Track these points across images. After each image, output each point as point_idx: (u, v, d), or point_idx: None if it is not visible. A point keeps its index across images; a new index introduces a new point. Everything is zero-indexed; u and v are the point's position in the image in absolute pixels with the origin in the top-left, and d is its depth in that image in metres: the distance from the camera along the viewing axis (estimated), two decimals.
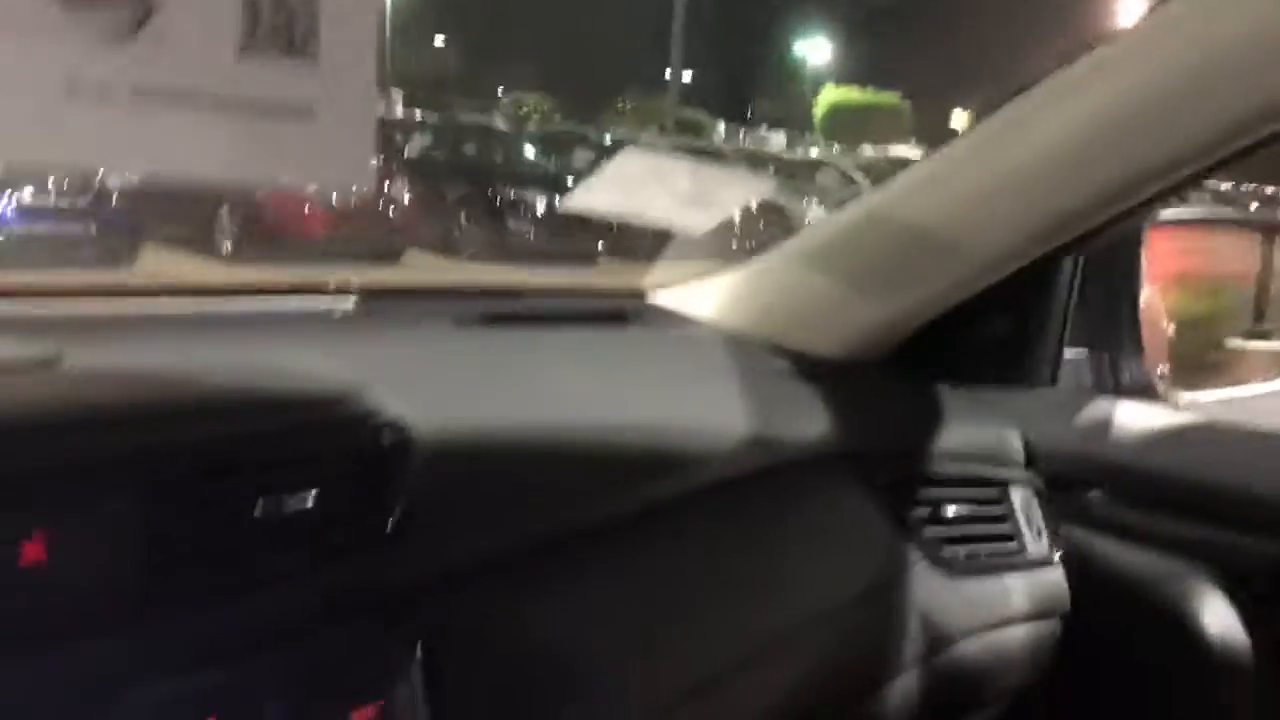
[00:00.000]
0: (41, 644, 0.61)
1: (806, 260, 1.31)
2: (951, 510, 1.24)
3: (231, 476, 0.70)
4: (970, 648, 1.20)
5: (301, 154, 0.46)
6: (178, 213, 7.40)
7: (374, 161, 0.49)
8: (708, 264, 1.46)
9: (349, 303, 1.20)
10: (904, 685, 1.13)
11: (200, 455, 0.70)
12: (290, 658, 0.72)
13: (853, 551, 1.13)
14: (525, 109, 24.63)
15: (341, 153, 0.47)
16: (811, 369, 1.24)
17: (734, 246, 1.70)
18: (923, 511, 1.21)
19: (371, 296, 1.27)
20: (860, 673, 1.10)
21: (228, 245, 7.65)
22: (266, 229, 7.66)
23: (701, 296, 1.38)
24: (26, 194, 6.43)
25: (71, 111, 0.41)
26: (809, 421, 1.19)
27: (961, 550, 1.23)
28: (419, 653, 0.76)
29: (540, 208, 9.47)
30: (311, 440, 0.75)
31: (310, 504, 0.73)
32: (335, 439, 0.77)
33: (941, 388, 1.34)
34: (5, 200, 6.33)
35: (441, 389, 0.94)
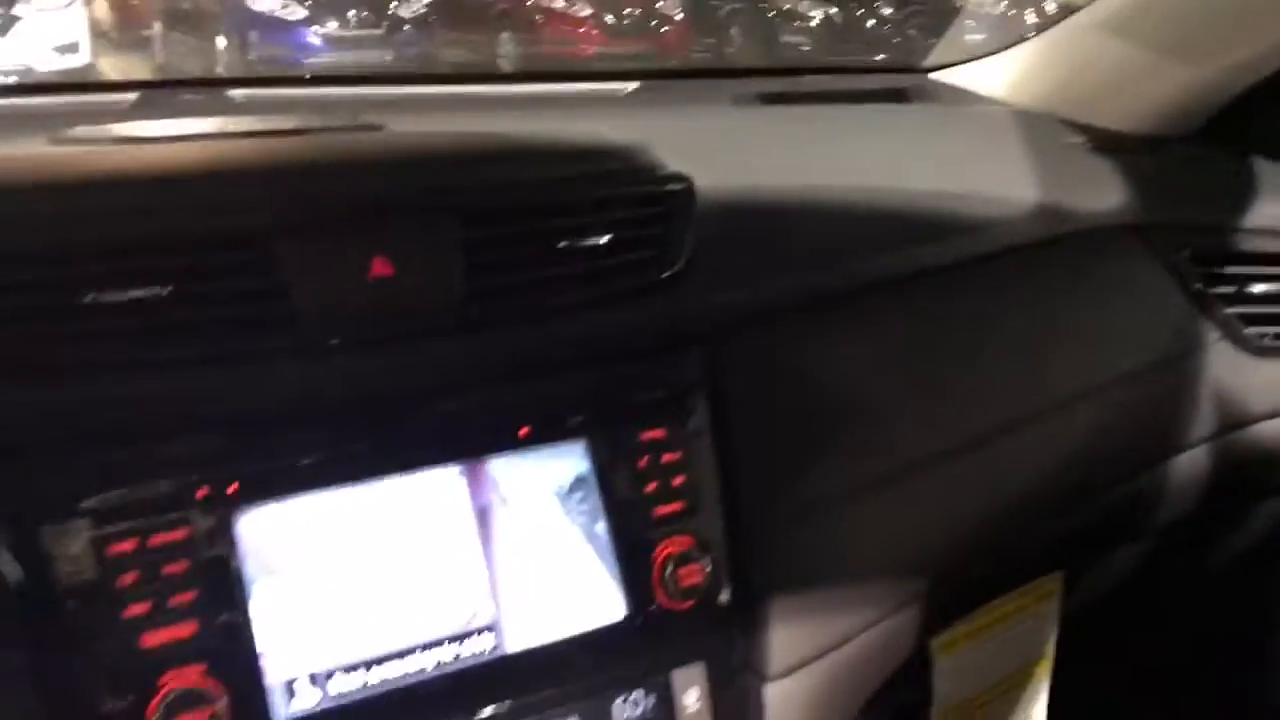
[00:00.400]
0: (388, 343, 0.71)
1: (1101, 30, 1.22)
2: (1258, 289, 1.16)
3: (536, 215, 0.77)
4: (1268, 431, 1.14)
5: None
6: (462, 40, 7.74)
7: None
8: (992, 42, 1.39)
9: (632, 86, 1.24)
10: (1190, 462, 1.10)
11: (510, 194, 0.77)
12: (588, 380, 0.80)
13: (1143, 323, 1.09)
14: None
15: None
16: (1106, 142, 1.18)
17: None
18: (1225, 288, 1.15)
19: (653, 78, 1.31)
20: (1144, 444, 1.08)
21: (508, 67, 7.93)
22: (544, 52, 7.86)
23: (987, 74, 1.33)
24: (330, 25, 6.90)
25: None
26: (1101, 194, 1.14)
27: (1270, 331, 1.16)
28: (702, 384, 0.83)
29: (816, 16, 9.11)
30: (605, 187, 0.81)
31: (604, 243, 0.79)
32: (626, 186, 0.82)
33: (1254, 161, 1.24)
34: (311, 30, 6.83)
35: (722, 153, 0.97)
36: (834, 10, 8.46)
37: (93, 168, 0.70)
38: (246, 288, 0.66)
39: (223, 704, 0.63)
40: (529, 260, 0.76)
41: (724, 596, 0.80)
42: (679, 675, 0.78)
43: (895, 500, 0.89)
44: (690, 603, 0.78)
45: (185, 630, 0.63)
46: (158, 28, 7.64)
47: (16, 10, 6.00)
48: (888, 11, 7.68)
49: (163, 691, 0.62)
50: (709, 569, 0.79)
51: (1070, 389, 1.02)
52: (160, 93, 1.08)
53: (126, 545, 0.63)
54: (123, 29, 8.64)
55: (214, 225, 0.66)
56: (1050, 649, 1.10)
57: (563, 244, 0.77)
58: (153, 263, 0.64)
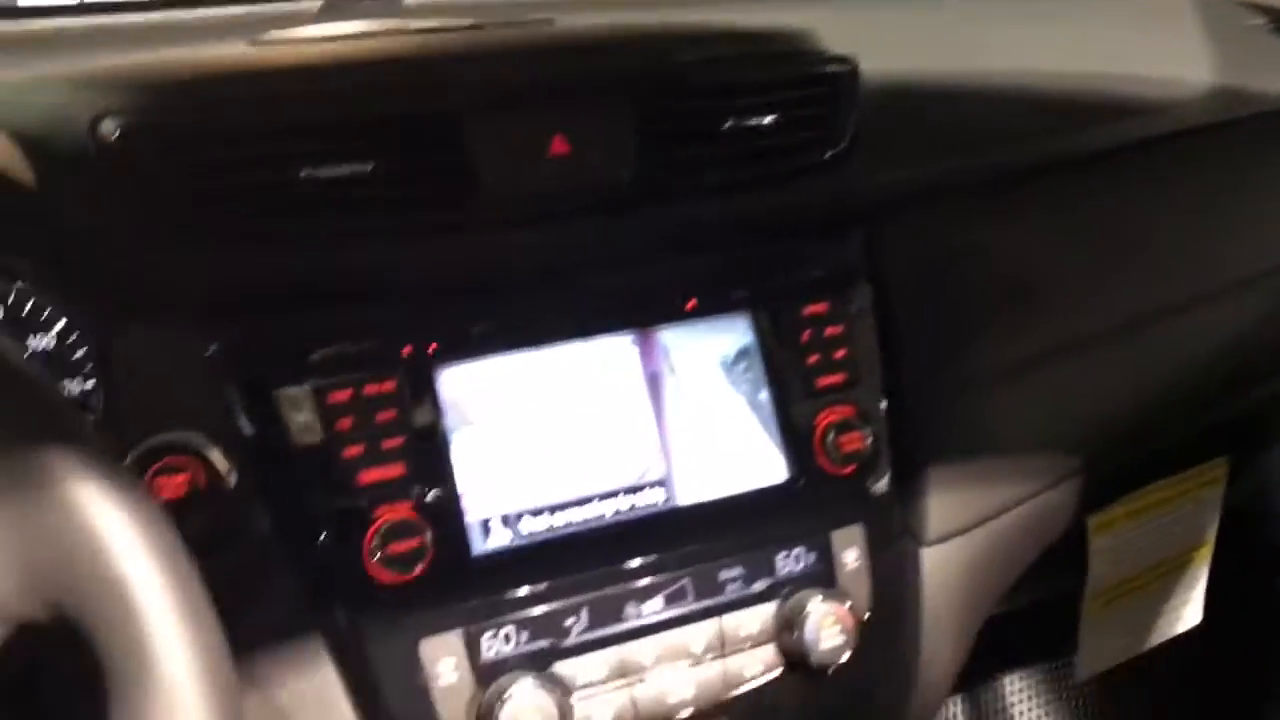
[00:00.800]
0: (565, 216, 0.76)
1: None
2: None
3: (704, 96, 0.80)
4: None
5: None
6: None
7: None
8: None
9: None
10: None
11: (678, 76, 0.80)
12: (753, 256, 0.83)
13: None
14: None
15: None
16: None
17: None
18: None
19: None
20: None
21: None
22: None
23: None
24: None
25: None
26: None
27: None
28: (865, 261, 0.85)
29: None
30: (770, 69, 0.83)
31: (770, 123, 0.81)
32: (791, 68, 0.84)
33: None
34: None
35: (890, 38, 0.98)
36: None
37: (296, 59, 0.77)
38: (438, 164, 0.72)
39: (428, 536, 0.70)
40: (697, 139, 0.79)
41: (883, 464, 0.84)
42: (838, 535, 0.81)
43: (1054, 378, 0.90)
44: (850, 468, 0.82)
45: (395, 470, 0.71)
46: None
47: None
48: None
49: (377, 523, 0.69)
50: (869, 437, 0.82)
51: (1239, 274, 1.00)
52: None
53: (343, 395, 0.70)
54: None
55: (408, 106, 0.72)
56: (1211, 536, 1.09)
57: (729, 124, 0.80)
58: (356, 142, 0.70)
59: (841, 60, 0.85)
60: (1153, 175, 1.00)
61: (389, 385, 0.71)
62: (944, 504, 0.85)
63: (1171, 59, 1.07)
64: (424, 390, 0.72)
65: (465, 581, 0.72)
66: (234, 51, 0.82)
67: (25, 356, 0.62)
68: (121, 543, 0.41)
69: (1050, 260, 0.93)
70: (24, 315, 0.66)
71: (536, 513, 0.74)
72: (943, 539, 0.85)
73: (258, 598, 0.67)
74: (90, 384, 0.67)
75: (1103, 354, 0.93)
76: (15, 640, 0.43)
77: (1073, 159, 0.95)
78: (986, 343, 0.89)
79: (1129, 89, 1.01)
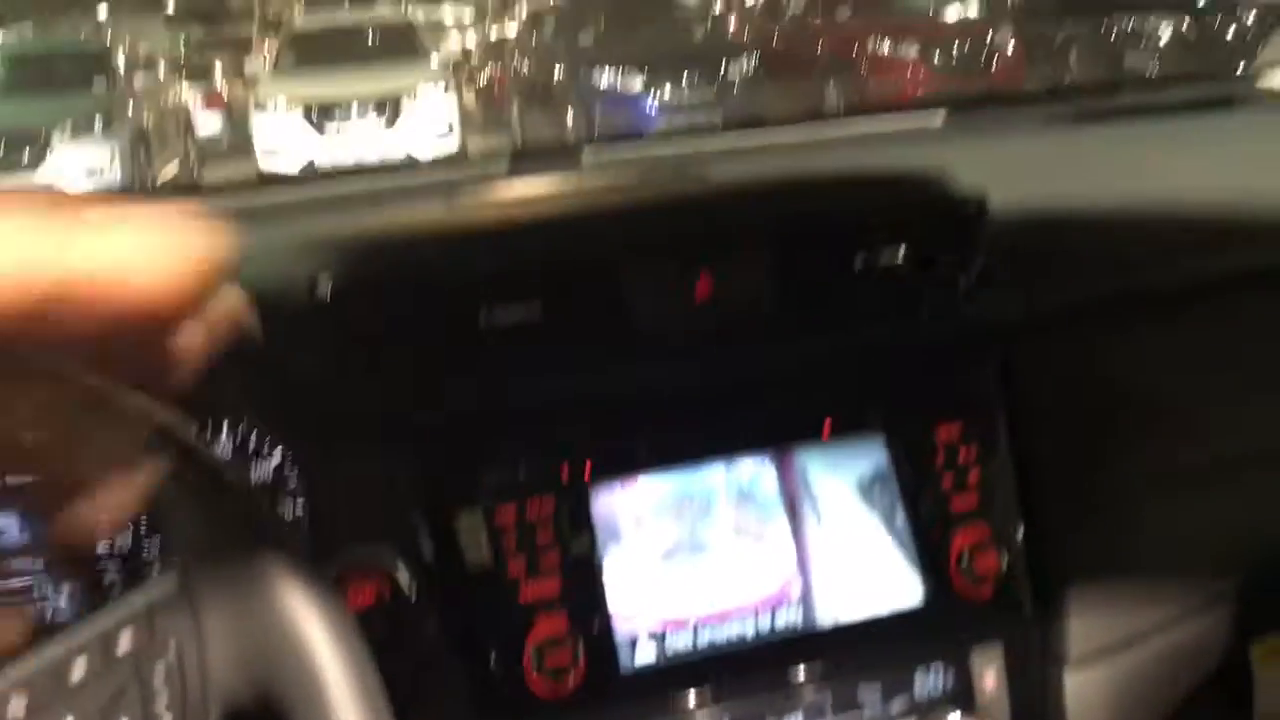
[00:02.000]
0: (710, 350, 0.84)
1: None
2: None
3: (836, 240, 0.87)
4: None
5: None
6: (789, 91, 8.01)
7: None
8: None
9: (939, 117, 1.31)
10: None
11: (812, 223, 0.88)
12: (887, 380, 0.89)
13: None
14: None
15: None
16: None
17: None
18: None
19: (962, 108, 1.37)
20: None
21: (838, 110, 8.08)
22: (869, 96, 7.93)
23: None
24: (666, 93, 7.40)
25: None
26: None
27: None
28: (996, 385, 0.89)
29: (1165, 34, 8.52)
30: (898, 209, 0.90)
31: (901, 261, 0.87)
32: (919, 211, 0.90)
33: None
34: (649, 101, 7.37)
35: (1022, 172, 1.03)
36: (1185, 23, 7.85)
37: (478, 222, 0.89)
38: (596, 309, 0.82)
39: (580, 649, 0.78)
40: (831, 278, 0.86)
41: (1021, 584, 0.86)
42: (977, 656, 0.83)
43: (1202, 499, 0.90)
44: (987, 589, 0.84)
45: (552, 587, 0.79)
46: (515, 110, 8.52)
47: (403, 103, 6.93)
48: (1245, 21, 7.02)
49: (535, 634, 0.77)
50: (1005, 558, 0.85)
51: None
52: (523, 162, 1.30)
53: (508, 516, 0.79)
54: (485, 114, 9.68)
55: (571, 260, 0.82)
56: None
57: (861, 264, 0.87)
58: (528, 292, 0.81)
59: (969, 201, 0.90)
60: None
61: (547, 506, 0.80)
62: (1086, 624, 0.86)
63: None
64: (579, 510, 0.81)
65: (616, 697, 0.78)
66: (429, 215, 0.95)
67: (251, 482, 0.74)
68: (319, 642, 0.51)
69: (1185, 382, 0.94)
70: (250, 448, 0.79)
71: (681, 629, 0.80)
72: (1086, 660, 0.86)
73: (427, 700, 0.76)
74: (300, 506, 0.79)
75: (1254, 474, 0.92)
76: (227, 713, 0.52)
77: (1209, 284, 0.96)
78: (1121, 463, 0.90)
79: (1271, 215, 1.01)
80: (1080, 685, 0.85)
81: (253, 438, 0.79)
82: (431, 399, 0.80)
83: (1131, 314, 0.95)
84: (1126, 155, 1.09)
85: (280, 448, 0.79)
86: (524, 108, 8.42)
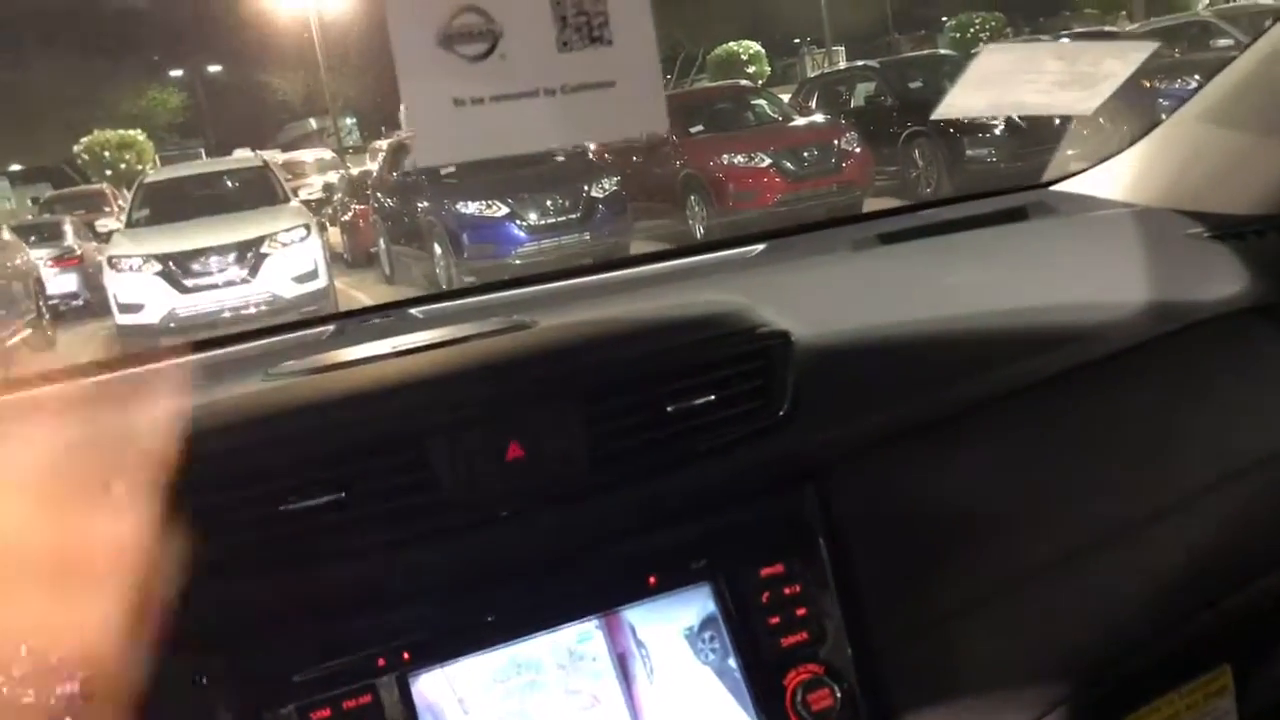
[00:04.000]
0: (524, 514, 0.82)
1: (1206, 120, 1.25)
2: None
3: (648, 385, 0.88)
4: None
5: (612, 115, 0.62)
6: (651, 208, 8.23)
7: (665, 112, 0.64)
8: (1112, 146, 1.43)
9: (760, 247, 1.35)
10: None
11: (623, 371, 0.88)
12: (707, 526, 0.88)
13: (1276, 407, 1.08)
14: (973, 29, 23.54)
15: (640, 110, 0.62)
16: (1225, 228, 1.19)
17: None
18: None
19: (779, 237, 1.42)
20: None
21: (699, 227, 8.30)
22: (727, 206, 8.19)
23: (1104, 179, 1.36)
24: (531, 216, 7.51)
25: (458, 119, 0.60)
26: (1224, 280, 1.14)
27: None
28: (816, 516, 0.90)
29: (999, 128, 9.05)
30: (707, 350, 0.91)
31: (712, 400, 0.88)
32: (727, 347, 0.92)
33: None
34: (515, 225, 7.46)
35: (828, 300, 1.06)
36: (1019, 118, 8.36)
37: (284, 402, 0.87)
38: (404, 483, 0.80)
39: None
40: (645, 425, 0.86)
41: (858, 714, 0.85)
42: None
43: (1023, 606, 0.92)
44: None
45: None
46: (382, 245, 8.52)
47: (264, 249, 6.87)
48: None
49: None
50: (839, 693, 0.84)
51: (1209, 476, 1.02)
52: (351, 321, 1.28)
53: (324, 712, 0.76)
54: (353, 250, 9.64)
55: (376, 435, 0.80)
56: None
57: (673, 406, 0.87)
58: (330, 473, 0.78)
59: (774, 334, 0.92)
60: (1106, 391, 1.04)
61: (366, 698, 0.76)
62: None
63: (1116, 280, 1.12)
64: (400, 699, 0.77)
65: None
66: (238, 392, 0.91)
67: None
68: None
69: (1005, 487, 0.96)
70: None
71: None
72: None
73: None
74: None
75: (1075, 574, 0.94)
76: None
77: (1011, 391, 1.00)
78: (945, 579, 0.91)
79: (1073, 316, 1.06)
80: None
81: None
82: (226, 595, 0.76)
83: (933, 432, 0.97)
84: (924, 273, 1.14)
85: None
86: (390, 243, 8.44)
